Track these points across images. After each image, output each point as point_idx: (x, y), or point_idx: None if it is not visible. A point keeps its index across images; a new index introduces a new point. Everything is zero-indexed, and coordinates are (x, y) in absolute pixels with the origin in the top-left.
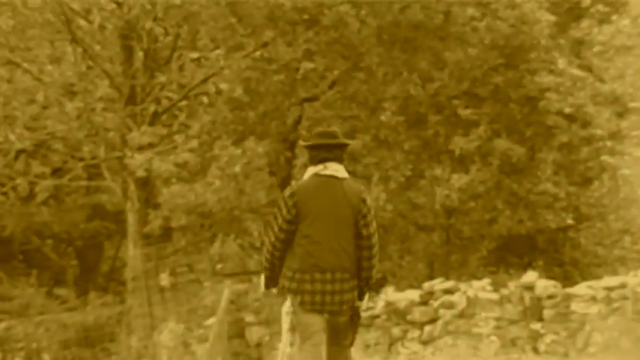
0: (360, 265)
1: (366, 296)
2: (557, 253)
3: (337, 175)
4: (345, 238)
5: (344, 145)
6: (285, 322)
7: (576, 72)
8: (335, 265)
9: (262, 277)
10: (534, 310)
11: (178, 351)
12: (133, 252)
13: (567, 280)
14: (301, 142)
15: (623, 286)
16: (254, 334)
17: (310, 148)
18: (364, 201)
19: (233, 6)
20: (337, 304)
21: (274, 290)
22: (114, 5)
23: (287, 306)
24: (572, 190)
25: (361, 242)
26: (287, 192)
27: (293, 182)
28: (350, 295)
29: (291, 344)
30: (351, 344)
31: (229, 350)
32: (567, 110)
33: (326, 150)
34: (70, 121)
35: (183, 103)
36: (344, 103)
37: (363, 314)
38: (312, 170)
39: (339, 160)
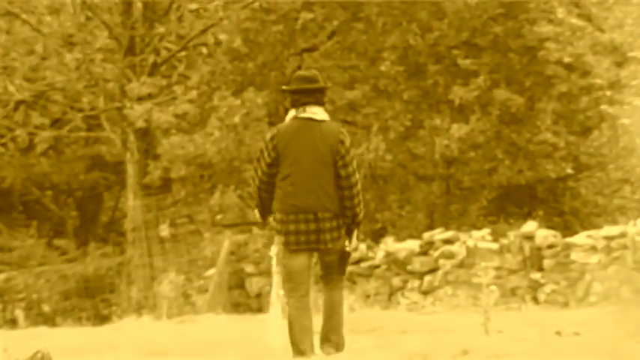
0: (343, 204)
1: (354, 235)
2: (557, 202)
3: (316, 118)
4: (324, 178)
5: (323, 89)
6: (275, 265)
7: (575, 21)
8: (314, 205)
9: (256, 211)
10: (534, 260)
11: (178, 301)
12: (132, 203)
13: (567, 230)
14: (283, 87)
15: (622, 235)
16: (254, 284)
17: (290, 92)
18: (342, 142)
19: None
20: (322, 242)
21: (270, 220)
22: None
23: (274, 249)
24: (571, 140)
25: (341, 182)
26: (268, 135)
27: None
28: (334, 233)
29: (283, 287)
30: (341, 283)
31: (229, 301)
32: (566, 60)
33: (305, 94)
34: (69, 72)
35: (183, 53)
36: (343, 53)
37: (363, 264)
38: (292, 113)
39: (319, 103)
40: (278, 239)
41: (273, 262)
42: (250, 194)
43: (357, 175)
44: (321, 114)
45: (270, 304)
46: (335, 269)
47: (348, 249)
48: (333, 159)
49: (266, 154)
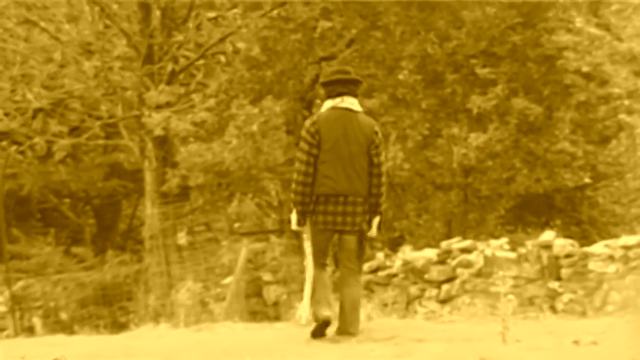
0: (371, 191)
1: (375, 222)
2: (575, 211)
3: (352, 108)
4: (359, 164)
5: (357, 81)
6: (308, 247)
7: (594, 30)
8: (349, 189)
9: (293, 215)
10: (552, 269)
11: (196, 310)
12: (150, 211)
13: (585, 239)
14: (320, 81)
15: None
16: (271, 293)
17: (327, 84)
18: (376, 133)
19: None
20: (349, 224)
21: (304, 229)
22: None
23: (308, 231)
24: (589, 149)
25: (372, 169)
26: (308, 122)
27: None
28: (360, 217)
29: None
30: (360, 266)
31: (247, 309)
32: (585, 69)
33: (341, 85)
34: (87, 79)
35: (201, 62)
36: (361, 61)
37: (381, 273)
38: (329, 103)
39: (353, 95)
40: (310, 220)
41: (306, 244)
42: (293, 192)
43: (385, 168)
44: (357, 105)
45: (306, 282)
46: (354, 253)
47: (367, 234)
48: (368, 148)
49: (309, 137)
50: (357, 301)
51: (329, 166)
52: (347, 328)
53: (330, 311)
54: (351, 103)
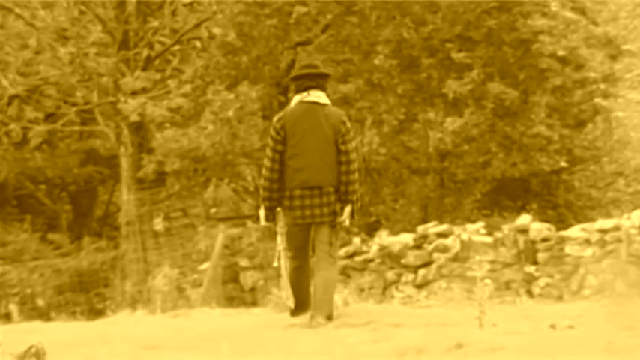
0: (340, 179)
1: (347, 211)
2: (551, 195)
3: (319, 101)
4: (329, 155)
5: (325, 75)
6: (281, 242)
7: (569, 14)
8: (321, 180)
9: (261, 211)
10: (528, 253)
11: (172, 295)
12: (126, 197)
13: (561, 223)
14: (290, 75)
15: (616, 228)
16: (248, 278)
17: (295, 78)
18: (344, 123)
19: None
20: (325, 215)
21: (273, 224)
22: None
23: (280, 225)
24: (565, 133)
25: (340, 157)
26: (275, 118)
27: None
28: (335, 207)
29: (289, 263)
30: (335, 251)
31: (223, 295)
32: (560, 53)
33: (309, 79)
34: (63, 66)
35: (176, 47)
36: (337, 46)
37: (358, 258)
38: (297, 98)
39: (321, 88)
40: (285, 215)
41: (279, 238)
42: (261, 188)
43: (355, 156)
44: (324, 98)
45: (281, 275)
46: (327, 240)
47: (340, 222)
48: (335, 138)
49: (274, 134)
50: (330, 284)
51: (298, 160)
52: (317, 312)
53: (308, 298)
54: (317, 96)
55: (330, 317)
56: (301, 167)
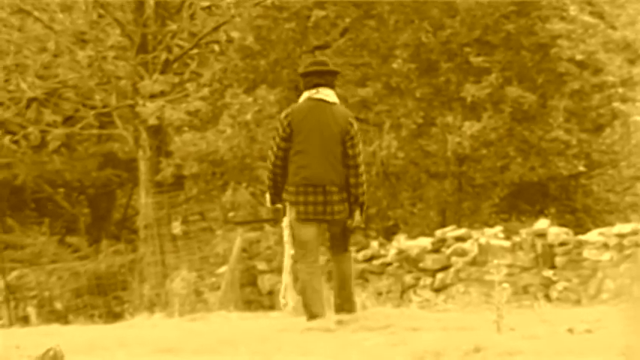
0: (348, 182)
1: (357, 214)
2: (569, 200)
3: (327, 99)
4: (333, 154)
5: (334, 72)
6: (286, 236)
7: (588, 19)
8: (324, 178)
9: (267, 195)
10: (546, 258)
11: (190, 299)
12: (144, 200)
13: (579, 227)
14: (299, 71)
15: (635, 232)
16: (266, 282)
17: (304, 75)
18: (351, 124)
19: None
20: (329, 213)
21: (279, 206)
22: None
23: (286, 220)
24: (583, 137)
25: (347, 161)
26: (282, 114)
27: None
28: (339, 206)
29: (293, 257)
30: (348, 254)
31: (241, 298)
32: (579, 57)
33: (317, 76)
34: (81, 69)
35: (195, 51)
36: (355, 50)
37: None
38: (305, 95)
39: (330, 86)
40: (290, 210)
41: (285, 232)
42: (266, 177)
43: (362, 158)
44: (332, 97)
45: (283, 269)
46: (339, 236)
47: (350, 225)
48: (342, 138)
49: (281, 130)
50: (348, 277)
51: (303, 157)
52: (342, 306)
53: (322, 307)
54: (326, 94)
55: (351, 310)
56: (305, 164)
